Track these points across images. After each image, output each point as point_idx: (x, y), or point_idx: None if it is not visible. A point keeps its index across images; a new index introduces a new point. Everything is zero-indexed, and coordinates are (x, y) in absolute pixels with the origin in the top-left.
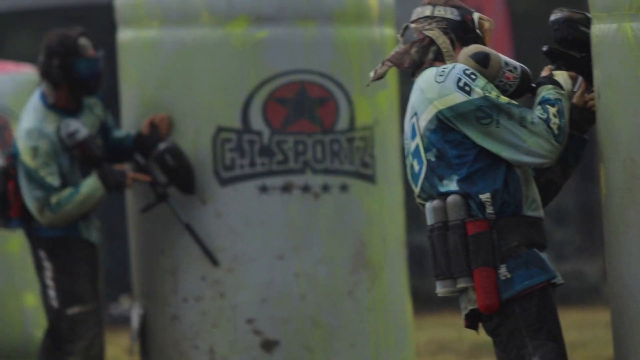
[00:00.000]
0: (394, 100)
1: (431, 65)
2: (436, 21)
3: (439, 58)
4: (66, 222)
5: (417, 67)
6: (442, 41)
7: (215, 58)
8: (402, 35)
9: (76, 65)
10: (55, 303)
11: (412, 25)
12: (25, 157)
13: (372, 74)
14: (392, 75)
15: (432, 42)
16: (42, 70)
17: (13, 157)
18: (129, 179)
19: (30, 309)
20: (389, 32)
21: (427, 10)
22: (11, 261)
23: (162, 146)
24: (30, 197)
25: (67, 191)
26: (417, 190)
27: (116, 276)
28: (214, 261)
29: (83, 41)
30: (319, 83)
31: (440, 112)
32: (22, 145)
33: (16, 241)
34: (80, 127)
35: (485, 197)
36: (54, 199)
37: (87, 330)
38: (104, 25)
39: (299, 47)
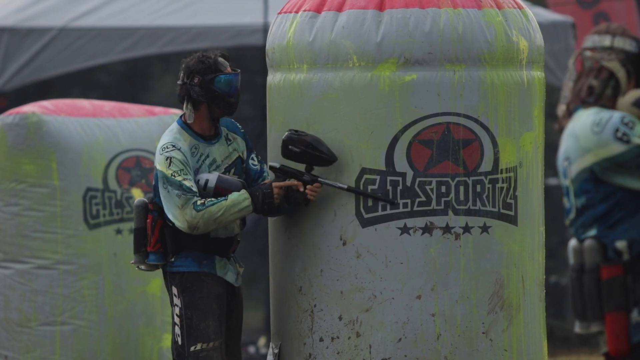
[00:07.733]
0: (540, 142)
1: (608, 101)
2: (615, 52)
3: (616, 93)
4: (206, 226)
5: (597, 99)
6: (622, 75)
7: (362, 100)
8: (575, 61)
9: (216, 81)
10: (179, 339)
11: (589, 53)
12: (161, 167)
13: (560, 113)
14: (539, 116)
15: (611, 75)
16: (181, 91)
17: (152, 189)
18: (276, 189)
19: (167, 350)
20: (537, 74)
21: (606, 40)
22: (152, 302)
23: (281, 142)
24: (169, 199)
25: (214, 198)
26: (567, 222)
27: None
28: (391, 202)
29: (222, 60)
30: (464, 125)
31: (596, 163)
32: (157, 159)
33: (157, 282)
34: (207, 176)
35: (622, 244)
36: (199, 200)
37: None
38: (255, 69)
39: (445, 90)
